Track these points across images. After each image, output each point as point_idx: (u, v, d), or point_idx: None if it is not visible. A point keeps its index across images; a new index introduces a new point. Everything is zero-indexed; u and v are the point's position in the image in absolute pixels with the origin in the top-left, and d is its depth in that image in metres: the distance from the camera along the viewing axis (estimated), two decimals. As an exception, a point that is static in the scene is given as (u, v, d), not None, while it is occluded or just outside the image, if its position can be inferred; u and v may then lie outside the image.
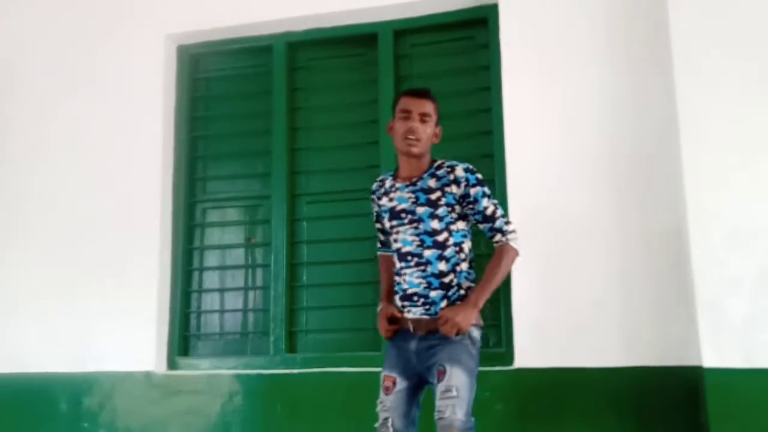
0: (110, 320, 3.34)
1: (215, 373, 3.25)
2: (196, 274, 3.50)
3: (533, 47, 3.05)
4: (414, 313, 2.27)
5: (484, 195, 2.26)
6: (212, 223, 3.53)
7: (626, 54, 2.94)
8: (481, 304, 2.21)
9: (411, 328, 2.26)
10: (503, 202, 2.98)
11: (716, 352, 2.50)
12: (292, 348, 3.27)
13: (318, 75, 3.49)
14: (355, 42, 3.41)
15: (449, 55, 3.27)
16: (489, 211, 2.26)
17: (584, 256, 2.87)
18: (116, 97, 3.55)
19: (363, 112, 3.35)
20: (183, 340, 3.42)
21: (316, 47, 3.49)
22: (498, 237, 2.27)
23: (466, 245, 2.32)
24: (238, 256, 3.48)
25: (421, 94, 2.36)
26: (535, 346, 2.85)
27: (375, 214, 2.47)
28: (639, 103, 2.90)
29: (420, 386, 2.28)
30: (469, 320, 2.17)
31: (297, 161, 3.41)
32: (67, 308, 3.41)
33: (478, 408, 2.80)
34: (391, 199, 2.36)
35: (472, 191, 2.25)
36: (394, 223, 2.32)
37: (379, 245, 2.51)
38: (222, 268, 3.48)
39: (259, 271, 3.43)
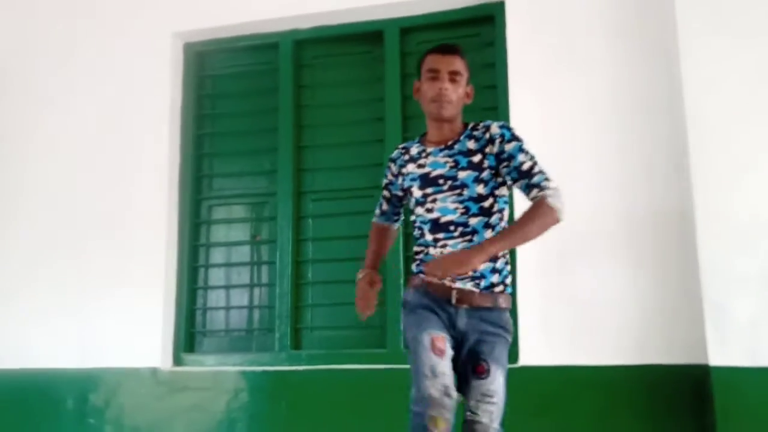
0: (116, 316, 3.34)
1: (221, 369, 3.25)
2: (201, 270, 3.49)
3: (539, 45, 3.03)
4: (460, 284, 2.02)
5: (520, 150, 2.02)
6: (218, 220, 3.53)
7: (633, 51, 2.93)
8: (491, 249, 1.92)
9: (454, 299, 2.01)
10: (509, 200, 2.97)
11: (723, 351, 2.50)
12: (297, 345, 3.27)
13: (324, 72, 3.48)
14: (362, 39, 3.41)
15: (455, 53, 3.27)
16: (525, 167, 2.01)
17: (591, 254, 2.85)
18: (123, 95, 3.55)
19: (369, 110, 3.34)
20: (189, 337, 3.41)
21: (322, 45, 3.48)
22: (534, 192, 2.00)
23: (507, 213, 2.13)
24: (243, 253, 3.48)
25: (450, 50, 2.12)
26: (540, 344, 2.85)
27: (387, 181, 2.26)
28: (646, 101, 2.88)
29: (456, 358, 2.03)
30: (470, 260, 1.89)
31: (303, 158, 3.40)
32: (73, 304, 3.41)
33: None
34: (421, 166, 2.12)
35: (508, 147, 2.03)
36: (429, 190, 2.07)
37: (377, 213, 2.32)
38: (228, 265, 3.48)
39: (264, 268, 3.42)
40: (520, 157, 2.01)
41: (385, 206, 2.30)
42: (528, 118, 2.98)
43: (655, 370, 2.70)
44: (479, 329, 2.01)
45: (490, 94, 3.14)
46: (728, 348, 2.49)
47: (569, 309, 2.83)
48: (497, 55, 3.14)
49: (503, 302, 2.07)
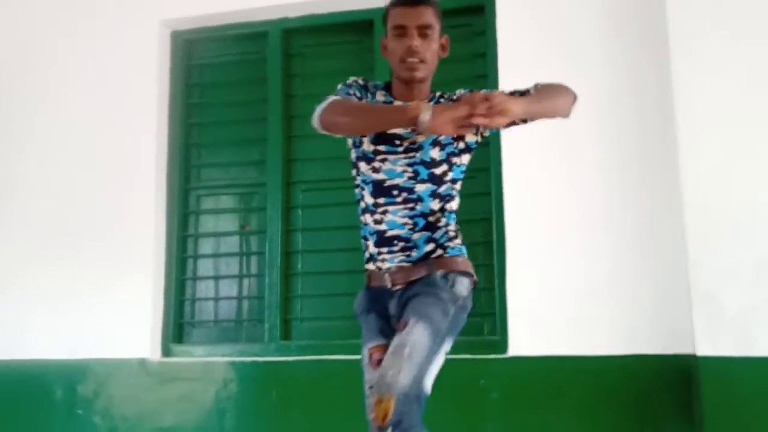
0: (105, 308, 3.33)
1: (210, 360, 3.25)
2: (190, 261, 3.48)
3: (530, 35, 3.03)
4: (391, 261, 1.84)
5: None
6: (207, 210, 3.51)
7: (623, 42, 2.93)
8: (527, 107, 1.68)
9: (389, 284, 1.84)
10: (499, 193, 3.01)
11: (711, 341, 2.52)
12: (286, 335, 3.26)
13: (314, 62, 3.45)
14: (352, 29, 3.38)
15: (445, 43, 3.24)
16: (507, 92, 1.77)
17: (580, 245, 2.86)
18: (110, 84, 3.51)
19: None
20: (178, 328, 3.41)
21: (311, 34, 3.46)
22: (532, 89, 1.81)
23: (459, 185, 1.92)
24: (232, 243, 3.47)
25: (416, 0, 1.85)
26: (529, 335, 2.85)
27: (360, 94, 1.91)
28: (636, 92, 2.89)
29: None
30: (516, 109, 1.61)
31: (292, 149, 3.38)
32: (62, 296, 3.39)
33: (472, 396, 2.83)
34: None
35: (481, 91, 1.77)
36: (381, 148, 1.85)
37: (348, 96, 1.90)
38: (217, 255, 3.47)
39: (254, 259, 3.41)
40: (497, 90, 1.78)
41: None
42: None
43: (644, 360, 2.72)
44: (410, 297, 1.79)
45: (481, 84, 3.11)
46: (716, 338, 2.51)
47: (557, 300, 2.83)
48: (488, 45, 3.13)
49: (443, 266, 1.81)
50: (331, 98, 1.86)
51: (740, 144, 2.57)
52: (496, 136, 3.01)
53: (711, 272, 2.53)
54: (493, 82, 3.06)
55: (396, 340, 1.67)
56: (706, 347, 2.51)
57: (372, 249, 1.88)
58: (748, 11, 2.62)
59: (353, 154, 1.93)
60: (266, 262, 3.31)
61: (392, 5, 1.90)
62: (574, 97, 1.85)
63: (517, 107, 1.62)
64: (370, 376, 1.79)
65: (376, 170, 1.86)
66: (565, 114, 1.85)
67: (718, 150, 2.59)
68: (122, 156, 3.44)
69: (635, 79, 2.89)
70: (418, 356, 1.63)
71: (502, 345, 2.92)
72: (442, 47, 1.91)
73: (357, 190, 1.94)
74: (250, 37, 3.52)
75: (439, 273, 1.80)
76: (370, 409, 1.63)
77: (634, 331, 2.75)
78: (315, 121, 1.84)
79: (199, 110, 3.58)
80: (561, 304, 2.83)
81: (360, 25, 3.34)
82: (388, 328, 1.82)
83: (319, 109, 1.84)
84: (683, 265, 2.61)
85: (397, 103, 1.89)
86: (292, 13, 3.40)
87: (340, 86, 1.94)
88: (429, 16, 1.85)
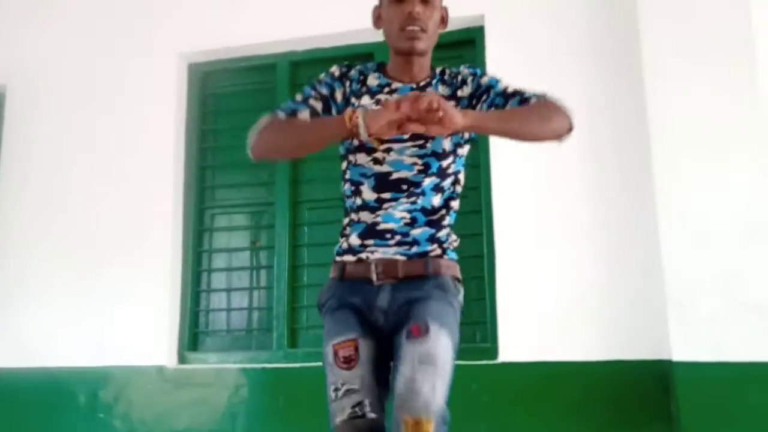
0: (125, 317, 3.35)
1: (222, 367, 3.26)
2: (204, 275, 3.51)
3: (516, 66, 3.02)
4: (383, 254, 1.54)
5: (498, 80, 1.60)
6: (220, 227, 3.54)
7: (602, 70, 2.98)
8: (478, 122, 1.44)
9: (374, 275, 1.52)
10: (489, 210, 3.04)
11: (685, 347, 2.52)
12: (293, 343, 3.28)
13: (319, 91, 3.51)
14: (354, 61, 3.37)
15: (439, 73, 3.31)
16: (510, 89, 1.57)
17: (563, 259, 2.89)
18: (132, 111, 3.56)
19: None
20: (192, 336, 3.43)
21: (316, 65, 3.43)
22: (533, 99, 1.56)
23: (462, 177, 1.66)
24: (244, 258, 3.49)
25: None
26: (518, 342, 2.87)
27: (328, 90, 1.62)
28: (614, 116, 2.94)
29: (388, 357, 1.50)
30: (459, 119, 1.37)
31: (299, 170, 3.41)
32: (84, 306, 3.42)
33: (465, 400, 2.84)
34: (380, 102, 1.58)
35: (483, 80, 1.60)
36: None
37: (282, 116, 1.62)
38: (229, 269, 3.50)
39: (263, 273, 3.43)
40: (501, 84, 1.59)
41: (304, 117, 1.60)
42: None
43: (623, 365, 2.73)
44: (405, 298, 1.51)
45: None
46: (690, 344, 2.51)
47: (543, 309, 2.86)
48: None
49: (440, 268, 1.55)
50: (264, 118, 1.57)
51: (711, 160, 2.59)
52: (485, 157, 3.07)
53: (684, 282, 2.54)
54: (483, 109, 3.15)
55: (416, 350, 1.39)
56: (681, 353, 2.50)
57: (354, 240, 1.58)
58: (716, 32, 2.66)
59: (346, 145, 1.63)
60: (275, 275, 3.33)
61: None
62: (567, 126, 1.57)
63: (460, 120, 1.38)
64: (335, 376, 1.45)
65: (378, 162, 1.57)
66: (546, 140, 1.57)
67: (689, 166, 2.60)
68: (142, 177, 3.47)
69: (612, 105, 2.93)
70: (447, 369, 1.41)
71: (493, 352, 2.94)
72: (442, 19, 1.63)
73: (347, 186, 1.64)
74: (260, 69, 3.55)
75: (449, 276, 1.57)
76: (336, 414, 1.41)
77: (613, 338, 2.76)
78: (248, 148, 1.57)
79: (213, 135, 3.62)
80: (546, 314, 2.85)
81: (361, 58, 3.31)
82: (361, 324, 1.52)
83: (251, 134, 1.56)
84: (659, 276, 2.62)
85: (395, 85, 1.62)
86: (299, 47, 3.46)
87: (307, 86, 1.66)
88: None
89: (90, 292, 3.43)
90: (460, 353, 2.87)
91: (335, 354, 1.47)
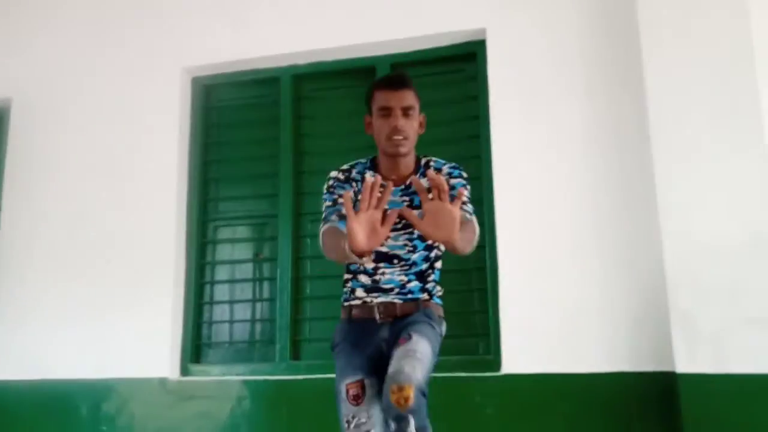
0: (128, 330, 3.32)
1: (225, 379, 3.23)
2: (207, 287, 3.48)
3: (517, 79, 3.07)
4: (384, 297, 1.90)
5: (463, 186, 1.88)
6: (223, 239, 3.52)
7: (600, 84, 2.96)
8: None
9: (377, 316, 1.88)
10: (492, 220, 3.02)
11: (689, 359, 2.49)
12: (296, 356, 3.25)
13: (321, 104, 3.49)
14: (355, 74, 3.41)
15: (441, 86, 3.28)
16: (462, 198, 1.77)
17: (567, 270, 2.86)
18: (137, 124, 3.55)
19: (362, 139, 3.26)
20: (195, 349, 3.39)
21: (319, 79, 3.50)
22: (467, 216, 1.82)
23: (443, 248, 1.98)
24: (246, 270, 3.46)
25: (400, 83, 1.90)
26: (521, 354, 2.84)
27: (337, 196, 1.92)
28: (615, 131, 2.91)
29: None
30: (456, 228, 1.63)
31: (302, 183, 3.40)
32: (88, 319, 3.39)
33: (469, 411, 2.83)
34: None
35: (453, 181, 1.89)
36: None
37: (336, 219, 1.88)
38: (232, 281, 3.47)
39: (266, 284, 3.41)
40: (459, 186, 1.85)
41: (335, 218, 1.89)
42: (508, 145, 3.02)
43: (628, 377, 2.70)
44: (400, 327, 1.85)
45: (474, 124, 3.18)
46: (694, 356, 2.48)
47: (547, 322, 2.83)
48: (479, 88, 3.17)
49: (427, 306, 1.93)
50: (322, 229, 1.89)
51: (712, 175, 2.56)
52: (488, 171, 3.05)
53: (688, 295, 2.52)
54: (484, 122, 3.11)
55: (402, 350, 1.72)
56: (684, 365, 2.47)
57: (360, 294, 1.93)
58: (718, 60, 2.63)
59: None
60: (278, 287, 3.31)
61: (377, 88, 1.92)
62: (470, 247, 1.77)
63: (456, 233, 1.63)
64: (347, 410, 1.77)
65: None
66: (462, 252, 1.76)
67: (691, 181, 2.58)
68: (145, 189, 3.46)
69: (613, 115, 2.91)
70: (425, 360, 1.72)
71: (496, 363, 2.91)
72: (420, 125, 1.95)
73: None
74: (263, 82, 3.55)
75: (432, 311, 1.93)
76: None
77: (617, 350, 2.73)
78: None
79: (216, 148, 3.60)
80: (550, 326, 2.82)
81: (362, 71, 3.38)
82: (368, 365, 1.82)
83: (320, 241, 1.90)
84: (662, 289, 2.60)
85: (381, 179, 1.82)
86: (302, 61, 3.45)
87: (325, 194, 1.97)
88: (411, 98, 1.89)
89: (93, 304, 3.40)
90: (463, 365, 2.88)
91: (347, 392, 1.79)
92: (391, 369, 1.68)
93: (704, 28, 2.67)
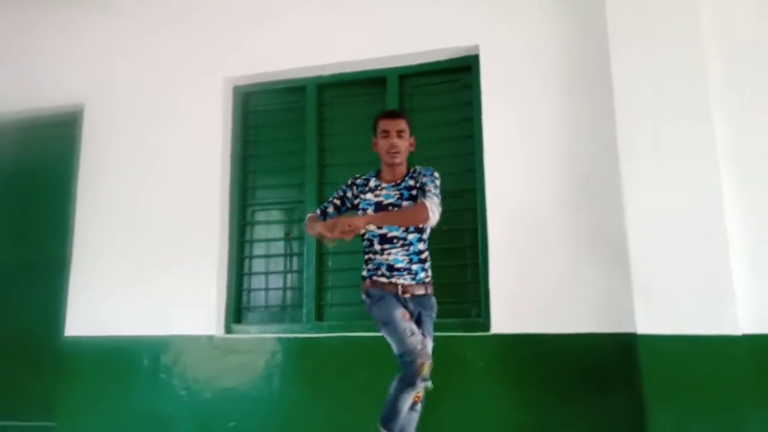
0: (181, 295, 3.36)
1: (261, 336, 3.26)
2: (247, 260, 3.50)
3: (505, 87, 3.06)
4: (403, 280, 2.30)
5: (431, 181, 2.27)
6: (259, 221, 3.53)
7: (577, 90, 2.95)
8: (370, 220, 2.20)
9: (400, 291, 2.28)
10: (483, 208, 3.02)
11: (648, 322, 2.50)
12: (320, 317, 3.27)
13: (341, 108, 3.49)
14: (370, 83, 3.42)
15: (441, 94, 3.28)
16: (427, 187, 2.26)
17: (547, 247, 2.86)
18: (187, 126, 3.57)
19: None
20: (237, 311, 3.42)
21: (339, 87, 3.50)
22: (420, 197, 2.25)
23: (427, 234, 2.39)
24: (279, 247, 3.48)
25: (396, 115, 2.39)
26: (507, 317, 2.86)
27: (343, 194, 2.43)
28: (587, 130, 2.90)
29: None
30: (357, 223, 2.13)
31: (325, 174, 3.41)
32: (149, 286, 3.43)
33: (463, 365, 2.86)
34: (377, 195, 2.36)
35: (423, 178, 2.29)
36: (382, 214, 2.31)
37: (318, 213, 2.44)
38: (267, 256, 3.48)
39: (295, 259, 3.42)
40: (427, 181, 2.27)
41: (330, 210, 2.43)
42: (498, 144, 3.03)
43: (596, 337, 2.71)
44: (420, 310, 2.30)
45: (468, 126, 3.18)
46: (651, 320, 2.49)
47: (529, 289, 2.84)
48: (473, 95, 3.16)
49: (430, 289, 2.35)
50: (309, 214, 2.46)
51: (669, 167, 2.54)
52: (480, 165, 3.06)
53: (647, 269, 2.52)
54: (477, 124, 3.10)
55: (426, 342, 2.21)
56: (644, 327, 2.49)
57: (385, 272, 2.31)
58: (672, 62, 2.62)
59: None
60: (304, 261, 3.33)
61: (380, 118, 2.39)
62: (423, 218, 2.18)
63: (359, 223, 2.13)
64: (405, 325, 2.15)
65: (380, 227, 2.31)
66: (413, 224, 2.27)
67: (652, 172, 2.56)
68: (195, 180, 3.47)
69: (586, 120, 2.90)
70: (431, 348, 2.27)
71: (486, 325, 2.93)
72: (411, 144, 2.40)
73: (366, 242, 2.37)
74: (292, 90, 3.54)
75: (432, 295, 2.36)
76: (417, 344, 2.11)
77: (587, 315, 2.73)
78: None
79: (253, 145, 3.61)
80: (531, 295, 2.83)
81: (376, 81, 3.38)
82: (402, 306, 2.26)
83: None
84: (626, 264, 2.59)
85: (383, 184, 2.40)
86: (325, 72, 3.44)
87: (335, 191, 2.50)
88: (403, 125, 2.36)
89: (153, 275, 3.44)
90: (458, 327, 2.92)
91: (402, 315, 2.20)
92: (419, 345, 2.11)
93: (663, 43, 2.65)
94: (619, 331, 2.66)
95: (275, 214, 3.52)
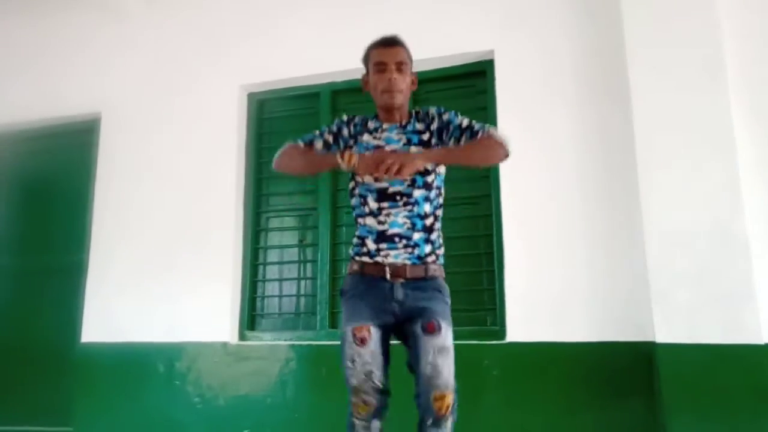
0: (196, 302, 3.39)
1: (275, 343, 3.28)
2: (261, 267, 3.53)
3: (521, 93, 3.07)
4: (393, 257, 1.71)
5: (456, 115, 1.78)
6: (273, 228, 3.56)
7: (592, 94, 2.95)
8: (431, 155, 1.69)
9: (388, 274, 1.69)
10: (498, 213, 3.01)
11: (666, 330, 2.49)
12: (333, 325, 3.28)
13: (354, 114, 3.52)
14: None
15: (456, 99, 3.29)
16: (464, 123, 1.74)
17: (564, 255, 2.86)
18: (202, 132, 3.61)
19: None
20: (251, 318, 3.44)
21: (353, 94, 3.50)
22: (481, 134, 1.72)
23: (443, 190, 1.83)
24: (292, 253, 3.50)
25: (393, 42, 1.80)
26: (522, 325, 2.85)
27: (336, 131, 1.85)
28: (604, 137, 2.90)
29: (389, 337, 1.72)
30: (415, 164, 1.63)
31: (338, 181, 3.42)
32: (163, 292, 3.47)
33: (479, 372, 2.86)
34: (375, 138, 1.81)
35: (445, 116, 1.78)
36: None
37: (302, 144, 1.87)
38: (280, 263, 3.50)
39: (309, 266, 3.45)
40: (457, 119, 1.76)
41: (319, 146, 1.86)
42: (513, 148, 3.03)
43: (614, 345, 2.69)
44: (417, 296, 1.70)
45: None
46: (670, 328, 2.48)
47: (546, 298, 2.83)
48: (488, 100, 3.17)
49: (435, 271, 1.75)
50: (288, 143, 1.83)
51: (686, 176, 2.55)
52: (495, 170, 3.06)
53: (666, 276, 2.52)
54: (492, 129, 3.13)
55: (433, 343, 1.62)
56: (662, 335, 2.48)
57: (371, 245, 1.75)
58: (691, 73, 2.62)
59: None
60: (318, 268, 3.35)
61: (373, 47, 1.82)
62: (502, 154, 1.72)
63: (418, 162, 1.64)
64: (351, 351, 1.64)
65: (378, 180, 1.74)
66: (486, 165, 1.84)
67: (668, 181, 2.56)
68: (210, 186, 3.51)
69: (604, 125, 2.89)
70: (453, 353, 1.65)
71: (502, 333, 2.93)
72: (413, 82, 1.84)
73: (355, 200, 1.82)
74: (306, 97, 3.57)
75: (440, 279, 1.77)
76: (352, 378, 1.62)
77: (605, 322, 2.72)
78: (273, 162, 1.83)
79: (268, 152, 3.59)
80: (547, 302, 2.82)
81: None
82: (376, 316, 1.68)
83: (278, 152, 1.82)
84: (644, 272, 2.59)
85: (385, 125, 1.84)
86: (339, 78, 3.47)
87: (322, 126, 1.92)
88: (403, 54, 1.79)
89: (167, 281, 3.48)
90: (473, 335, 2.91)
91: (353, 335, 1.65)
92: (427, 367, 1.58)
93: (681, 51, 2.65)
94: (637, 340, 2.64)
95: (289, 221, 3.52)
